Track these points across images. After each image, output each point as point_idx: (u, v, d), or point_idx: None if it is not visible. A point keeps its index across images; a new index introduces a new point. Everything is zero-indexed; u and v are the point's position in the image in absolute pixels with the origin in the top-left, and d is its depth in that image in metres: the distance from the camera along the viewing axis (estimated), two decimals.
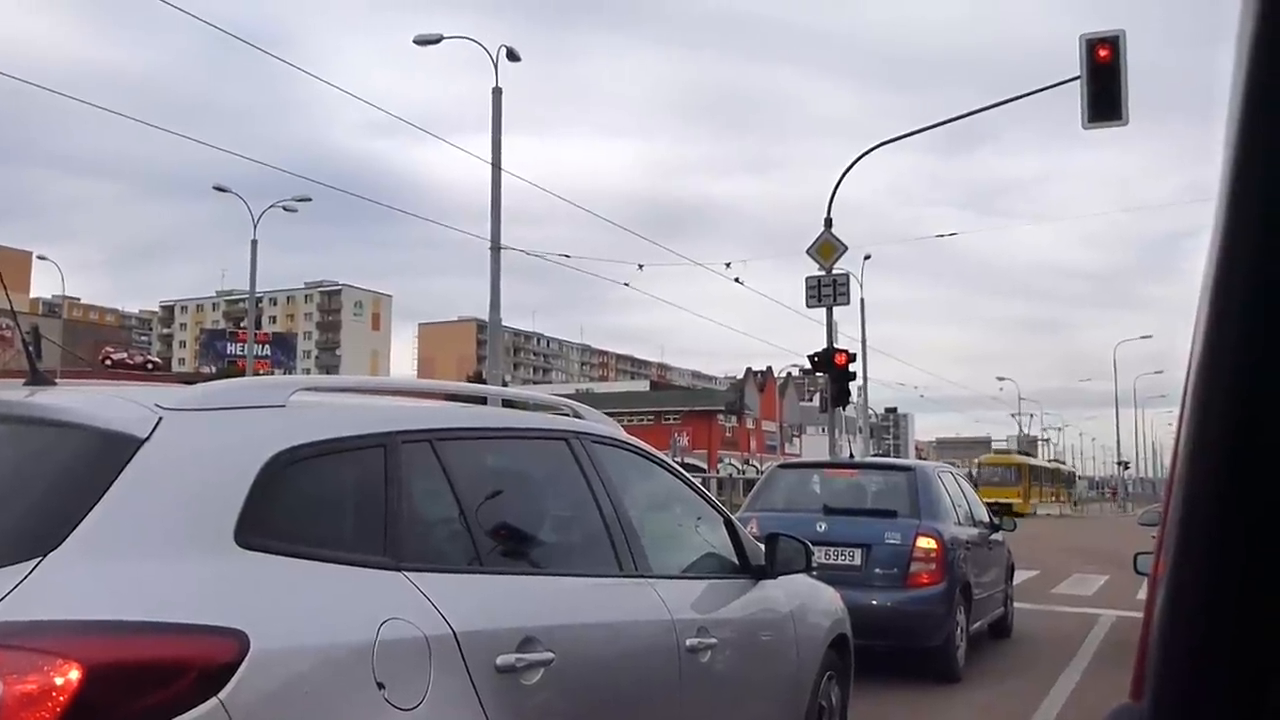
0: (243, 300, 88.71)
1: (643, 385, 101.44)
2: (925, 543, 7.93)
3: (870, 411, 51.15)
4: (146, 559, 2.13)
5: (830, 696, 4.88)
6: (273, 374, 47.38)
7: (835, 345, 18.59)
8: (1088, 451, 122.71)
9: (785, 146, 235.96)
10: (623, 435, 4.04)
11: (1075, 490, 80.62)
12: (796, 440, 70.47)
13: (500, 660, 2.65)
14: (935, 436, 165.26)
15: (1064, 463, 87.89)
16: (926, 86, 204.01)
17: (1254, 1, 0.52)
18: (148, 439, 2.24)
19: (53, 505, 2.12)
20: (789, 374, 64.07)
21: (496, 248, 19.58)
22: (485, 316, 20.74)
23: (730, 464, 60.03)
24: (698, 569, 4.13)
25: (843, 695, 5.07)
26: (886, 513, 8.34)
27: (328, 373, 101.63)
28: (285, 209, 39.82)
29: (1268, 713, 0.53)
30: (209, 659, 2.02)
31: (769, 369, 71.62)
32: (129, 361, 62.42)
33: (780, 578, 4.40)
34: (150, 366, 66.25)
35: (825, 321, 18.76)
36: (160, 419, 2.29)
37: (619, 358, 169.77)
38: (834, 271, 18.36)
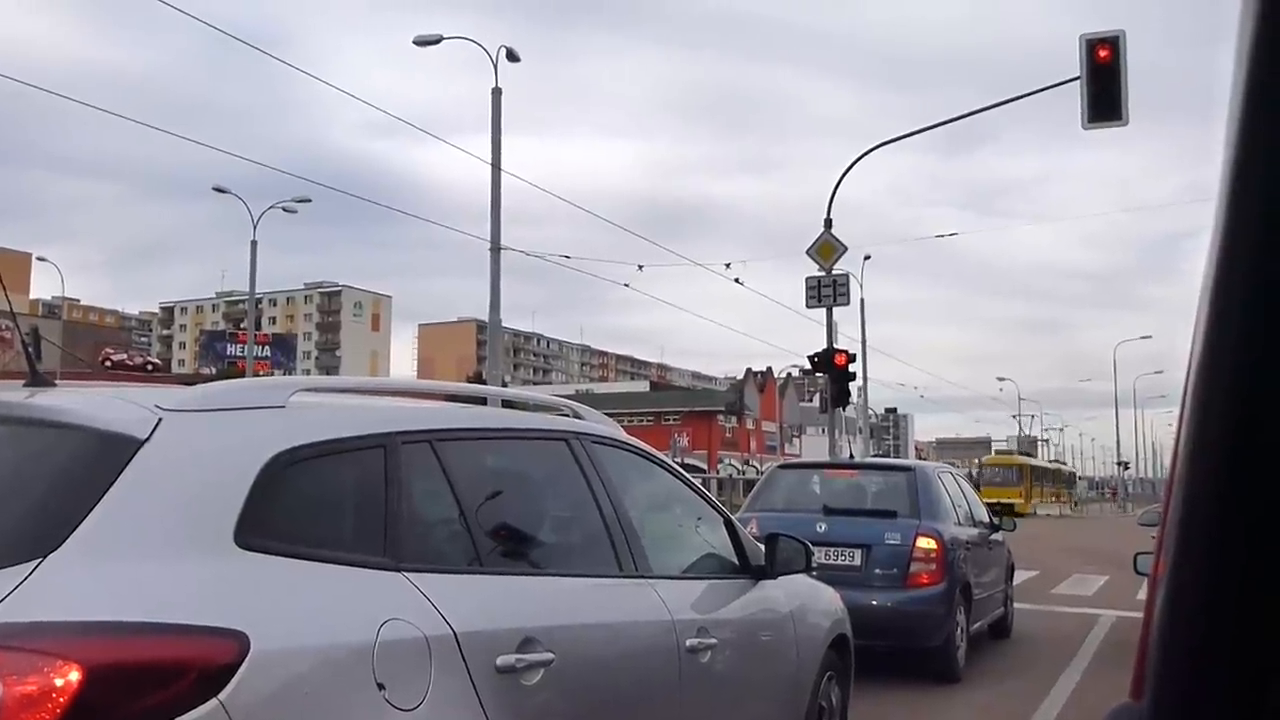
0: (242, 301, 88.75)
1: (643, 386, 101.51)
2: (925, 543, 7.93)
3: (870, 412, 51.17)
4: (146, 560, 2.13)
5: (830, 697, 4.88)
6: (272, 375, 47.42)
7: (835, 346, 18.60)
8: (1087, 452, 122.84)
9: (785, 147, 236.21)
10: (623, 436, 4.04)
11: (1076, 491, 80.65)
12: (796, 441, 70.46)
13: (500, 661, 2.65)
14: (935, 437, 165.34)
15: (1064, 463, 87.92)
16: (926, 87, 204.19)
17: (1254, 1, 0.52)
18: (147, 440, 2.24)
19: (53, 506, 2.13)
20: (789, 374, 64.05)
21: (496, 248, 19.59)
22: (485, 317, 20.76)
23: (730, 464, 60.06)
24: (698, 569, 4.13)
25: (843, 695, 5.07)
26: (886, 513, 8.34)
27: (327, 373, 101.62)
28: (285, 210, 39.83)
29: (1267, 712, 0.53)
30: (209, 660, 2.02)
31: (769, 369, 71.64)
32: (129, 363, 62.41)
33: (780, 578, 4.40)
34: (150, 368, 66.23)
35: (825, 322, 18.77)
36: (160, 420, 2.29)
37: (619, 358, 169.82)
38: (834, 272, 18.37)
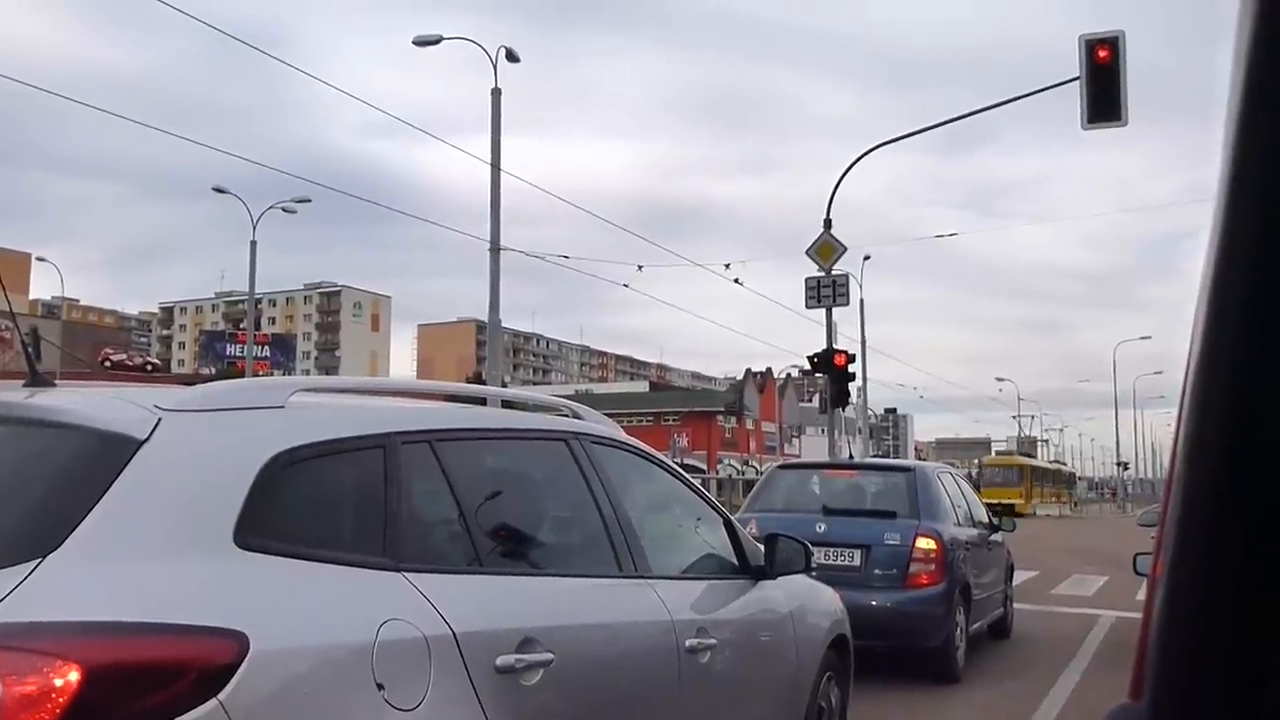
0: (242, 301, 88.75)
1: (642, 386, 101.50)
2: (925, 543, 7.93)
3: (870, 412, 51.17)
4: (146, 560, 2.13)
5: (830, 697, 4.88)
6: (272, 375, 47.42)
7: (835, 346, 18.59)
8: (1087, 452, 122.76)
9: (785, 147, 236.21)
10: (622, 436, 4.04)
11: (1075, 491, 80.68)
12: (796, 441, 70.48)
13: (500, 661, 2.65)
14: (935, 437, 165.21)
15: (1064, 464, 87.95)
16: (926, 87, 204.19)
17: (1252, 1, 0.52)
18: (147, 440, 2.24)
19: (52, 506, 2.13)
20: (788, 375, 64.12)
21: (496, 249, 19.59)
22: (485, 317, 20.75)
23: (730, 465, 60.04)
24: (697, 570, 4.13)
25: (842, 696, 5.07)
26: (886, 513, 8.34)
27: (327, 374, 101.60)
28: (284, 210, 39.83)
29: (1266, 712, 0.53)
30: (208, 660, 2.02)
31: (768, 370, 71.66)
32: (128, 363, 62.41)
33: (780, 578, 4.40)
34: (149, 368, 66.21)
35: (825, 322, 18.77)
36: (159, 420, 2.29)
37: (618, 358, 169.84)
38: (833, 272, 18.37)
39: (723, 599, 4.02)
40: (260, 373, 49.79)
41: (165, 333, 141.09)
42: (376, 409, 3.01)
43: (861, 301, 34.39)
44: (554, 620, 2.95)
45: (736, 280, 26.16)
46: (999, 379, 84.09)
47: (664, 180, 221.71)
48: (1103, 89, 14.00)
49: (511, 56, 20.83)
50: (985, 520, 9.90)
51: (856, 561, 8.01)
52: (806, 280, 18.45)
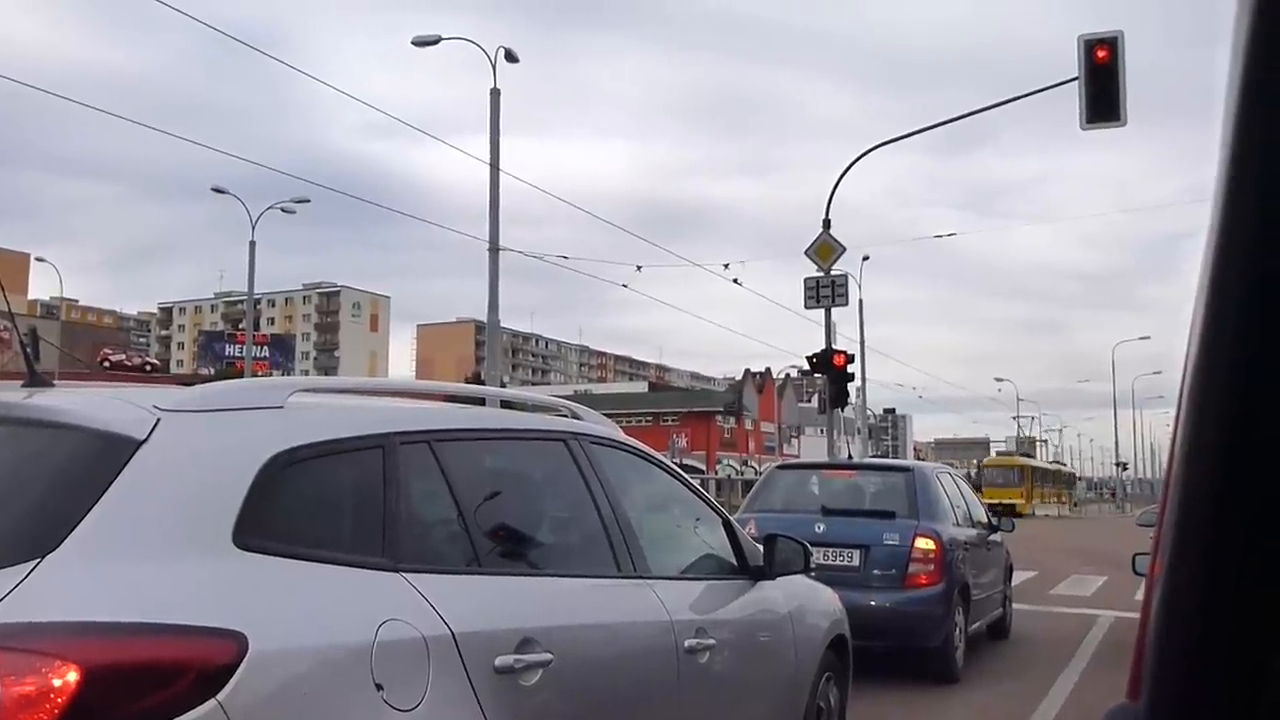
0: (241, 302, 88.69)
1: (641, 386, 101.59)
2: (924, 544, 7.93)
3: (869, 412, 51.16)
4: (145, 560, 2.12)
5: (829, 697, 4.88)
6: (271, 375, 47.40)
7: (834, 346, 18.58)
8: (1086, 452, 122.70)
9: (784, 148, 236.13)
10: (621, 436, 4.04)
11: (1075, 491, 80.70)
12: (795, 441, 70.51)
13: (499, 661, 2.65)
14: (934, 437, 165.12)
15: (1064, 464, 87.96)
16: (925, 87, 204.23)
17: (1251, 1, 0.52)
18: (146, 440, 2.23)
19: (51, 507, 2.12)
20: (787, 375, 64.13)
21: (495, 249, 19.58)
22: (484, 318, 20.75)
23: (729, 465, 60.07)
24: (696, 570, 4.13)
25: (841, 696, 5.07)
26: (885, 514, 8.34)
27: (326, 374, 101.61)
28: (283, 210, 39.83)
29: (1263, 712, 0.53)
30: (207, 660, 2.02)
31: (767, 370, 71.72)
32: (127, 363, 62.36)
33: (779, 579, 4.40)
34: (148, 368, 66.18)
35: (824, 323, 18.77)
36: (158, 420, 2.29)
37: (617, 359, 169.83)
38: (832, 273, 18.37)
39: (722, 599, 4.02)
40: (259, 373, 49.77)
41: (164, 333, 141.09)
42: (375, 409, 3.01)
43: (860, 302, 34.45)
44: (553, 620, 2.95)
45: (735, 281, 26.20)
46: (998, 379, 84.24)
47: (663, 181, 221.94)
48: (1102, 89, 14.01)
49: (511, 57, 20.82)
50: (984, 520, 9.90)
51: (855, 562, 8.01)
52: (805, 280, 18.46)
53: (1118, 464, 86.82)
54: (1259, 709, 0.53)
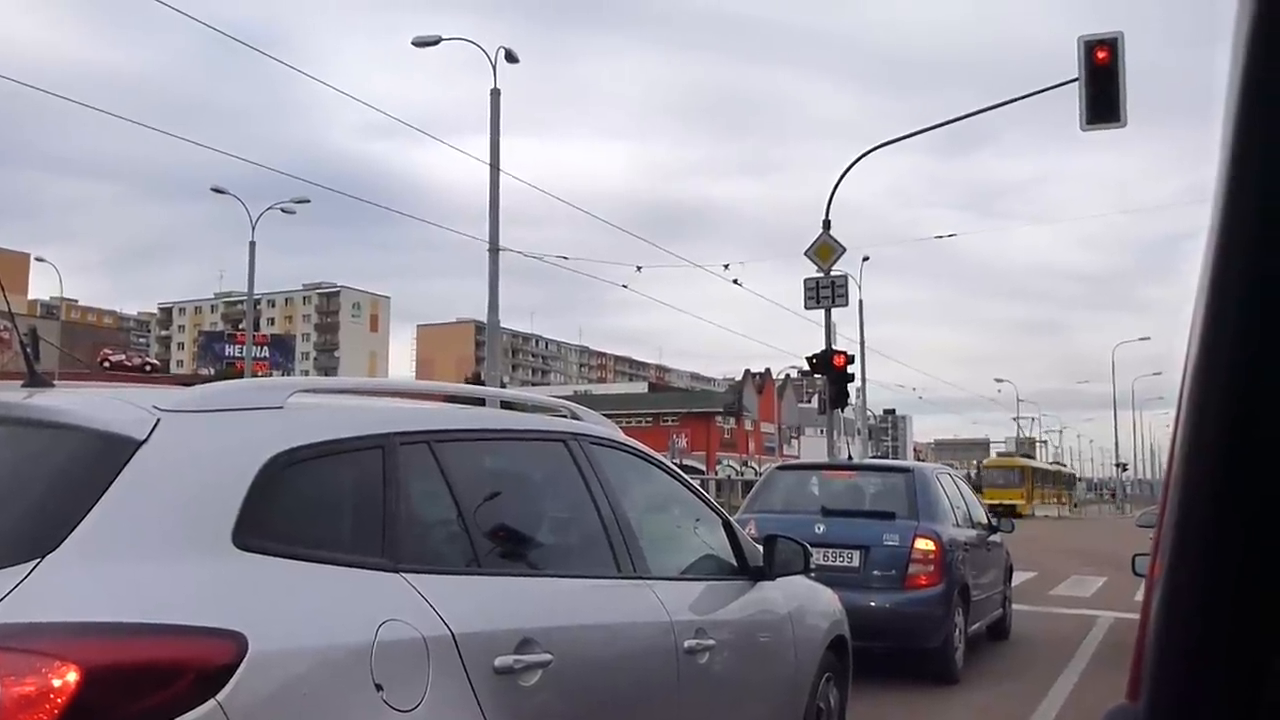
0: (241, 302, 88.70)
1: (641, 387, 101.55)
2: (923, 544, 7.93)
3: (868, 413, 51.16)
4: (144, 561, 2.12)
5: (828, 698, 4.88)
6: (271, 376, 47.39)
7: (834, 347, 18.58)
8: (1085, 453, 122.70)
9: (785, 148, 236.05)
10: (621, 437, 4.04)
11: (1075, 492, 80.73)
12: (795, 442, 70.50)
13: (498, 661, 2.65)
14: (933, 438, 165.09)
15: (1064, 465, 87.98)
16: (926, 88, 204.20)
17: (1251, 1, 0.52)
18: (146, 441, 2.23)
19: (51, 507, 2.12)
20: (787, 376, 64.11)
21: (495, 249, 19.58)
22: (484, 318, 20.75)
23: (728, 465, 60.09)
24: (696, 570, 4.13)
25: (841, 697, 5.07)
26: (885, 514, 8.33)
27: (326, 374, 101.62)
28: (283, 210, 39.85)
29: (1263, 712, 0.53)
30: (207, 661, 2.02)
31: (767, 370, 71.71)
32: (127, 363, 62.36)
33: (778, 579, 4.40)
34: (148, 368, 66.17)
35: (824, 323, 18.77)
36: (158, 421, 2.29)
37: (617, 359, 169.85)
38: (832, 273, 18.37)
39: (721, 600, 4.02)
40: (259, 373, 49.77)
41: (164, 333, 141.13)
42: (375, 410, 3.01)
43: (860, 302, 34.46)
44: (552, 621, 2.95)
45: (735, 281, 26.21)
46: (998, 380, 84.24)
47: (663, 181, 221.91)
48: (1102, 90, 14.01)
49: (511, 57, 20.82)
50: (984, 521, 9.90)
51: (855, 562, 8.01)
52: (805, 281, 18.46)
53: (1117, 465, 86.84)
54: (1259, 709, 0.53)
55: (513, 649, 2.71)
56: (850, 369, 18.73)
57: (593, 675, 3.07)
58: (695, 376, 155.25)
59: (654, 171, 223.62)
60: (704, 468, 53.68)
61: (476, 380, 48.71)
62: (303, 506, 2.51)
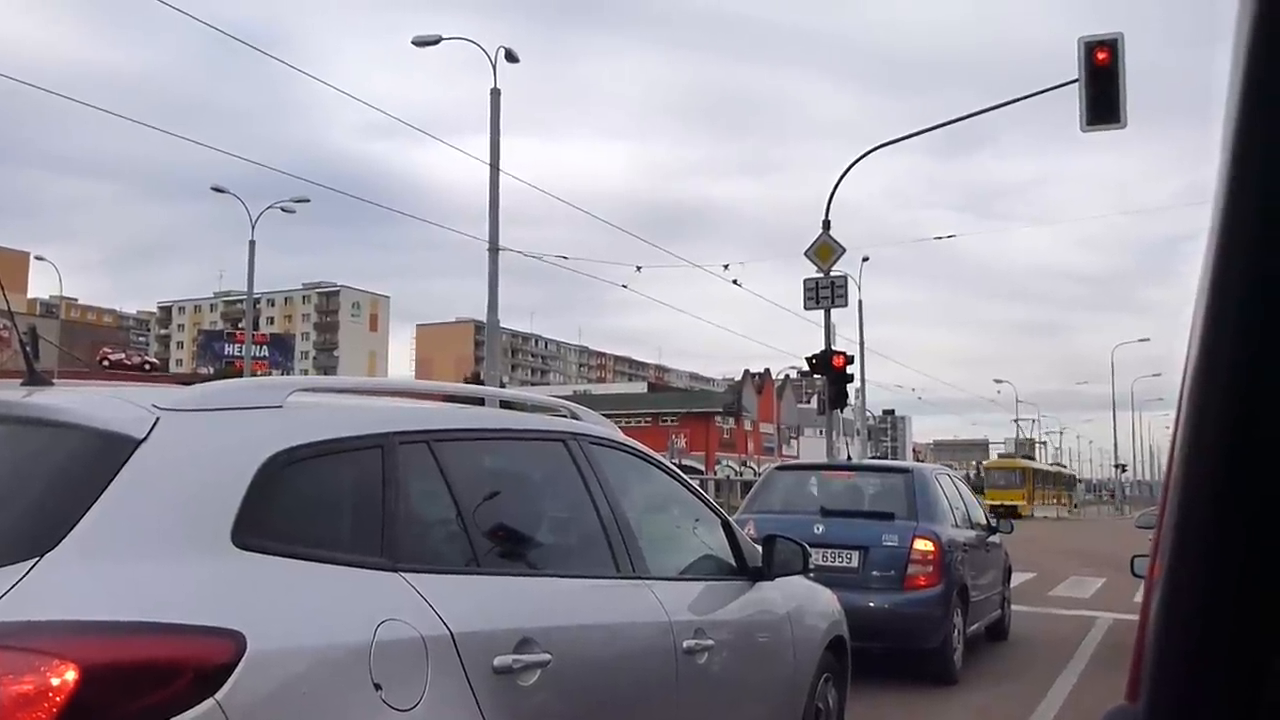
0: (240, 301, 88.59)
1: (640, 387, 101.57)
2: (922, 545, 7.93)
3: (868, 414, 51.14)
4: (143, 559, 2.12)
5: (827, 698, 4.88)
6: (270, 375, 47.39)
7: (833, 347, 18.59)
8: (1085, 454, 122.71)
9: (785, 149, 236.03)
10: (620, 437, 4.04)
11: (1075, 493, 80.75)
12: (794, 442, 70.57)
13: (497, 661, 2.65)
14: (933, 439, 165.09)
15: (1065, 466, 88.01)
16: (925, 89, 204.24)
17: (1252, 2, 0.52)
18: (145, 439, 2.23)
19: (50, 505, 2.12)
20: (787, 376, 64.18)
21: (494, 249, 19.58)
22: (483, 318, 20.74)
23: (728, 466, 60.06)
24: (695, 571, 4.13)
25: (839, 697, 5.07)
26: (884, 515, 8.33)
27: (325, 374, 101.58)
28: (283, 210, 39.83)
29: (1263, 713, 0.53)
30: (206, 660, 2.02)
31: (767, 371, 71.70)
32: (126, 362, 62.35)
33: (777, 580, 4.40)
34: (148, 367, 66.22)
35: (823, 324, 18.77)
36: (157, 419, 2.29)
37: (617, 359, 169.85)
38: (832, 274, 18.37)
39: (720, 600, 4.02)
40: (258, 372, 49.75)
41: (164, 332, 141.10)
42: (375, 409, 3.01)
43: (860, 303, 34.46)
44: (551, 621, 2.95)
45: (735, 281, 26.20)
46: (997, 381, 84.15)
47: (663, 181, 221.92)
48: (1102, 91, 14.01)
49: (511, 57, 20.82)
50: (983, 522, 9.91)
51: (854, 563, 8.01)
52: (805, 281, 18.46)
53: (1117, 466, 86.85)
54: (1259, 710, 0.53)
55: (512, 649, 2.71)
56: (849, 369, 18.73)
57: (592, 675, 3.07)
58: (694, 377, 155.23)
59: (654, 171, 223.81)
60: (703, 468, 53.63)
61: (476, 380, 48.71)
62: (302, 506, 2.51)
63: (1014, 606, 11.03)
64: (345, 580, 2.44)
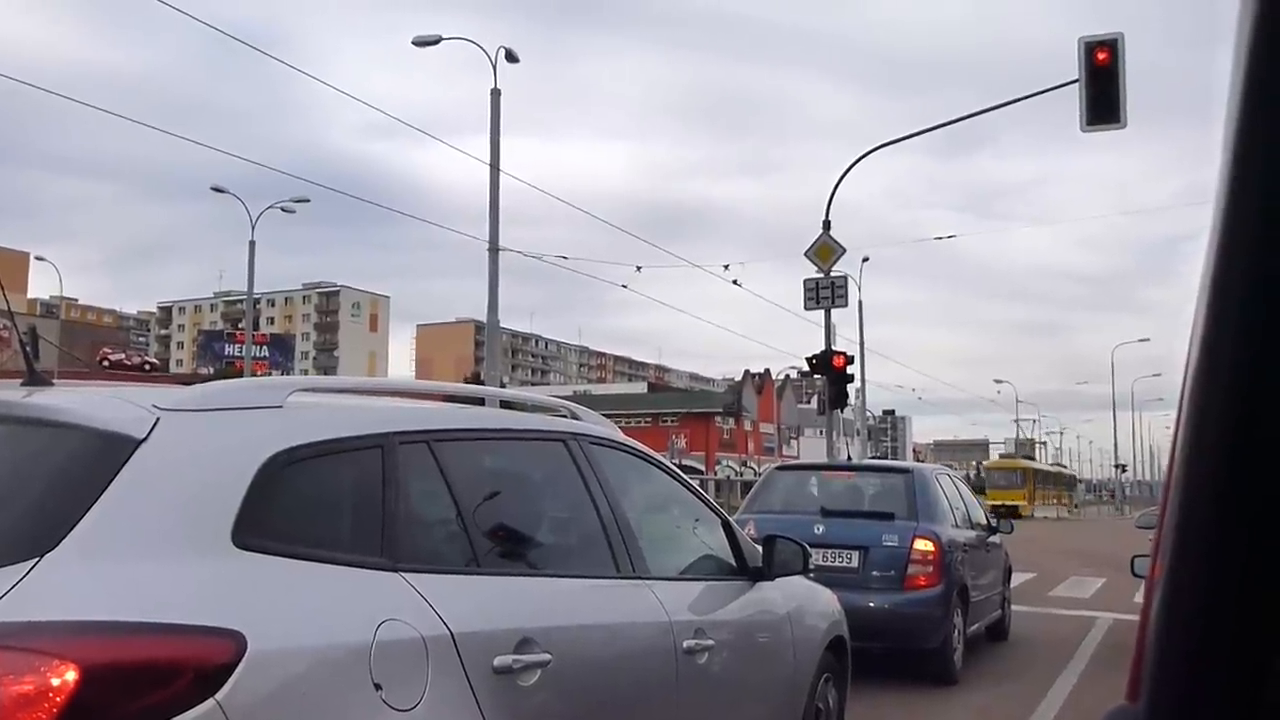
0: (241, 301, 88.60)
1: (640, 387, 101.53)
2: (922, 545, 7.93)
3: (868, 414, 51.14)
4: (144, 560, 2.12)
5: (827, 699, 4.88)
6: (270, 375, 47.39)
7: (833, 347, 18.59)
8: (1084, 454, 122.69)
9: (785, 149, 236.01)
10: (620, 437, 4.04)
11: (1076, 493, 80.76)
12: (794, 442, 70.56)
13: (497, 661, 2.65)
14: (933, 439, 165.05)
15: (1065, 466, 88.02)
16: (926, 89, 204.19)
17: (1253, 2, 0.52)
18: (145, 439, 2.23)
19: (50, 506, 2.12)
20: (787, 376, 64.15)
21: (494, 249, 19.59)
22: (483, 318, 20.75)
23: (728, 466, 60.08)
24: (695, 571, 4.13)
25: (840, 697, 5.07)
26: (884, 515, 8.33)
27: (325, 374, 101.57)
28: (283, 210, 39.84)
29: (1265, 713, 0.53)
30: (206, 660, 2.02)
31: (767, 371, 71.67)
32: (127, 362, 62.33)
33: (777, 580, 4.40)
34: (148, 367, 66.19)
35: (823, 324, 18.78)
36: (158, 420, 2.29)
37: (617, 359, 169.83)
38: (832, 274, 18.37)
39: (720, 600, 4.02)
40: (258, 373, 49.76)
41: (164, 332, 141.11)
42: (375, 409, 3.01)
43: (860, 303, 34.44)
44: (552, 621, 2.95)
45: (735, 282, 26.21)
46: (997, 381, 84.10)
47: (663, 181, 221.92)
48: (1102, 91, 14.01)
49: (511, 57, 20.83)
50: (983, 522, 9.91)
51: (854, 563, 8.01)
52: (805, 282, 18.46)
53: (1117, 466, 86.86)
54: (1260, 710, 0.53)
55: (512, 649, 2.71)
56: (850, 370, 18.73)
57: (592, 675, 3.07)
58: (694, 377, 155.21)
59: (654, 171, 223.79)
60: (703, 468, 53.65)
61: (476, 380, 48.72)
62: (302, 506, 2.51)
63: (1014, 607, 11.03)
64: (345, 580, 2.44)
